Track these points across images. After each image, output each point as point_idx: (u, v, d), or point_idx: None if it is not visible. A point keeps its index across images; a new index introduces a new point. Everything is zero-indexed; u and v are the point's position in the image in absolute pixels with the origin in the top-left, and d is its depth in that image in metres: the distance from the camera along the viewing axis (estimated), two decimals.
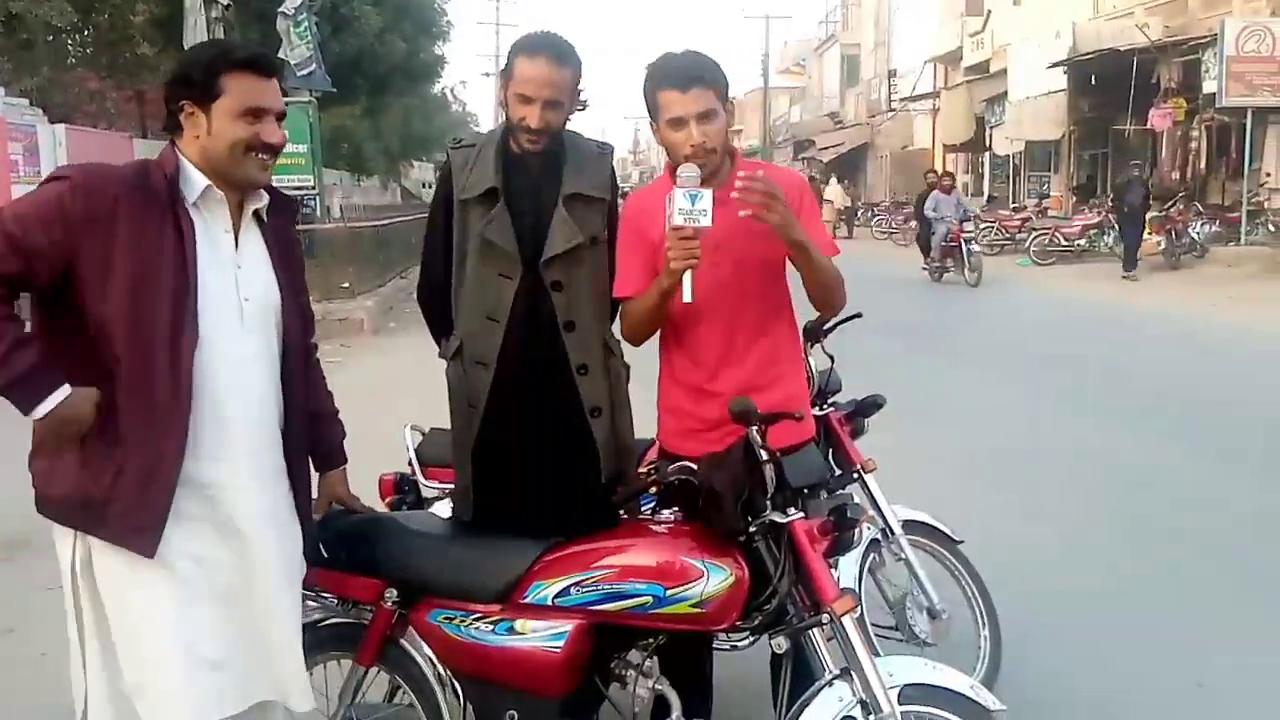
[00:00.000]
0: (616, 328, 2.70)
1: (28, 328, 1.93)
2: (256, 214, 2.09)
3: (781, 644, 2.07)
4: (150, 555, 1.89)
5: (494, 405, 2.55)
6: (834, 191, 28.93)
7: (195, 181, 1.97)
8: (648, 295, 2.35)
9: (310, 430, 2.24)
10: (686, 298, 2.19)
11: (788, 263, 2.44)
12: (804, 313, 2.92)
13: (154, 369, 1.90)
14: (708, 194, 2.17)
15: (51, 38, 17.74)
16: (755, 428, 2.06)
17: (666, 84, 2.32)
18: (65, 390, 1.87)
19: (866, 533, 2.95)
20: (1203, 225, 16.57)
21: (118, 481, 1.89)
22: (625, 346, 2.63)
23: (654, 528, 2.32)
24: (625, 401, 2.64)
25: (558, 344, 2.52)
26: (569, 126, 2.59)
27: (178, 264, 1.92)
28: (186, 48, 11.03)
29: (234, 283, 2.01)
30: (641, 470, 2.84)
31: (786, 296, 2.51)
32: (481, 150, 2.56)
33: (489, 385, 2.54)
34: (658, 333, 2.52)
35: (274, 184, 2.16)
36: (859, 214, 31.04)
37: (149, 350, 1.89)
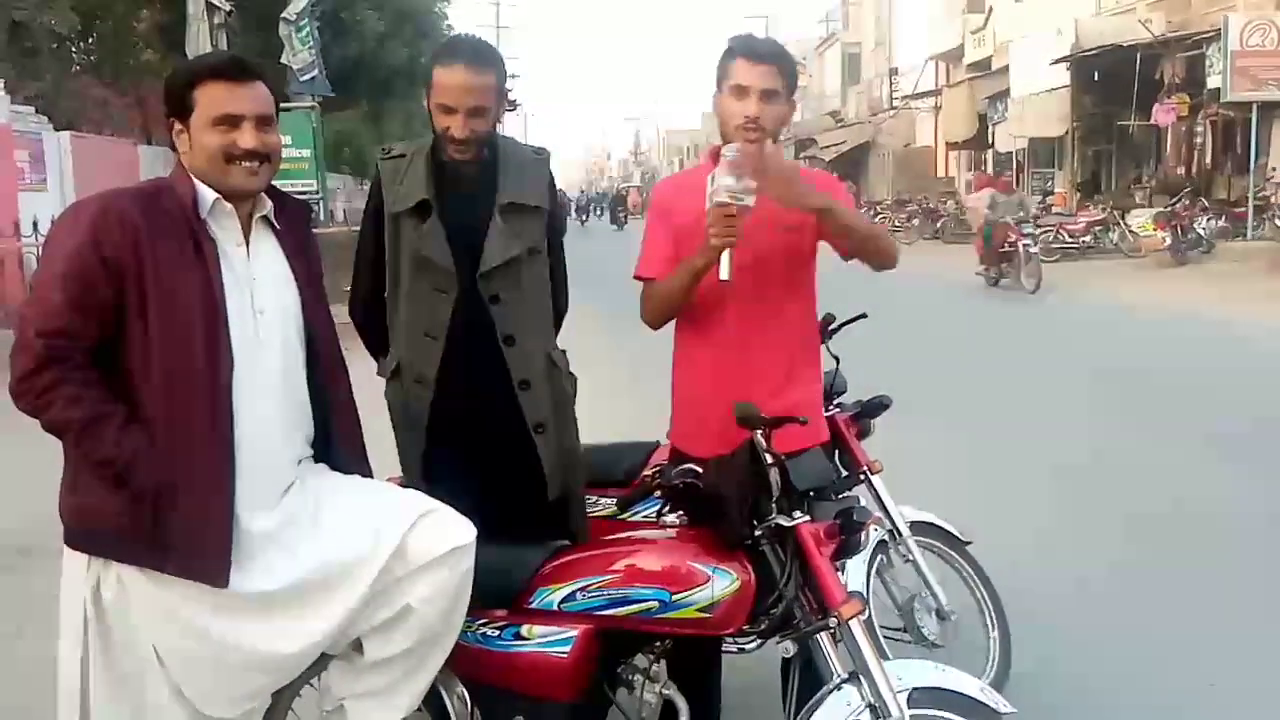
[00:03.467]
0: (561, 339, 2.65)
1: None
2: (265, 220, 2.07)
3: (789, 648, 2.05)
4: (224, 585, 1.89)
5: (436, 424, 2.48)
6: None
7: (205, 197, 1.96)
8: (676, 275, 2.32)
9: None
10: (724, 275, 2.17)
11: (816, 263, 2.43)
12: None
13: (195, 396, 1.88)
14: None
15: (55, 45, 17.79)
16: (760, 431, 2.05)
17: (742, 52, 2.32)
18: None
19: (874, 534, 2.94)
20: (1209, 221, 16.51)
21: (176, 517, 1.86)
22: (574, 355, 2.57)
23: (659, 532, 2.31)
24: (571, 416, 2.60)
25: (498, 359, 2.45)
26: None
27: (205, 289, 1.91)
28: (189, 55, 11.05)
29: (249, 297, 1.99)
30: (646, 474, 2.83)
31: (811, 292, 2.48)
32: (412, 160, 2.47)
33: (429, 404, 2.47)
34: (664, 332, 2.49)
35: (280, 189, 2.15)
36: (862, 212, 30.93)
37: (189, 379, 1.88)
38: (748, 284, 2.31)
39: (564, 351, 2.64)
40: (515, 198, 2.45)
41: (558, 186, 2.77)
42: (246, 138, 1.95)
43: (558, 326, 2.70)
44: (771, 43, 2.37)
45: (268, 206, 2.07)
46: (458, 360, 2.46)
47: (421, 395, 2.48)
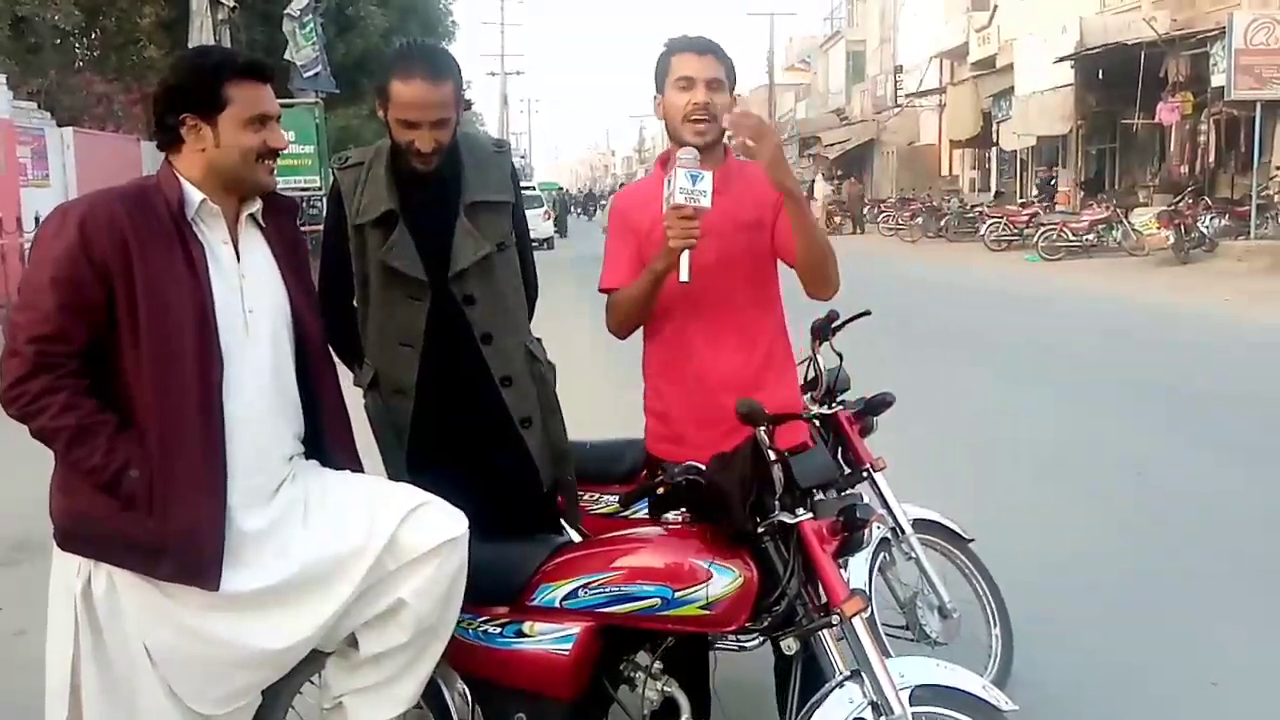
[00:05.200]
0: (537, 329, 2.64)
1: None
2: (252, 218, 2.06)
3: (791, 645, 2.05)
4: (216, 589, 1.88)
5: (420, 432, 2.46)
6: (820, 189, 28.96)
7: (191, 198, 1.95)
8: (639, 282, 2.33)
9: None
10: (684, 277, 2.18)
11: (778, 264, 2.43)
12: (811, 311, 2.90)
13: (185, 399, 1.88)
14: (708, 175, 2.16)
15: (58, 41, 17.81)
16: (763, 428, 2.04)
17: (682, 48, 2.35)
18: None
19: (876, 532, 2.94)
20: (1212, 219, 16.49)
21: (167, 522, 1.86)
22: (550, 348, 2.57)
23: (661, 529, 2.31)
24: (555, 406, 2.58)
25: (477, 359, 2.43)
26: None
27: (193, 290, 1.90)
28: (192, 51, 11.02)
29: (239, 295, 1.98)
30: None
31: (776, 297, 2.48)
32: (371, 169, 2.43)
33: (411, 413, 2.45)
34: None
35: (276, 186, 2.14)
36: (866, 210, 30.98)
37: (179, 382, 1.87)
38: (710, 286, 2.32)
39: (539, 340, 2.64)
40: (480, 196, 2.43)
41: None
42: (277, 137, 1.97)
43: (530, 313, 2.68)
44: (708, 37, 2.39)
45: (257, 205, 2.06)
46: (436, 365, 2.43)
47: (403, 406, 2.46)
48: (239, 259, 2.01)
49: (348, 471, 2.16)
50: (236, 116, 1.93)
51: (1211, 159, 18.62)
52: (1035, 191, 22.79)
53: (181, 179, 1.95)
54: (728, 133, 2.31)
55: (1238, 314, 10.98)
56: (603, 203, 44.87)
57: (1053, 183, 24.66)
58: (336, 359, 2.62)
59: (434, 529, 2.05)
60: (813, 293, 2.39)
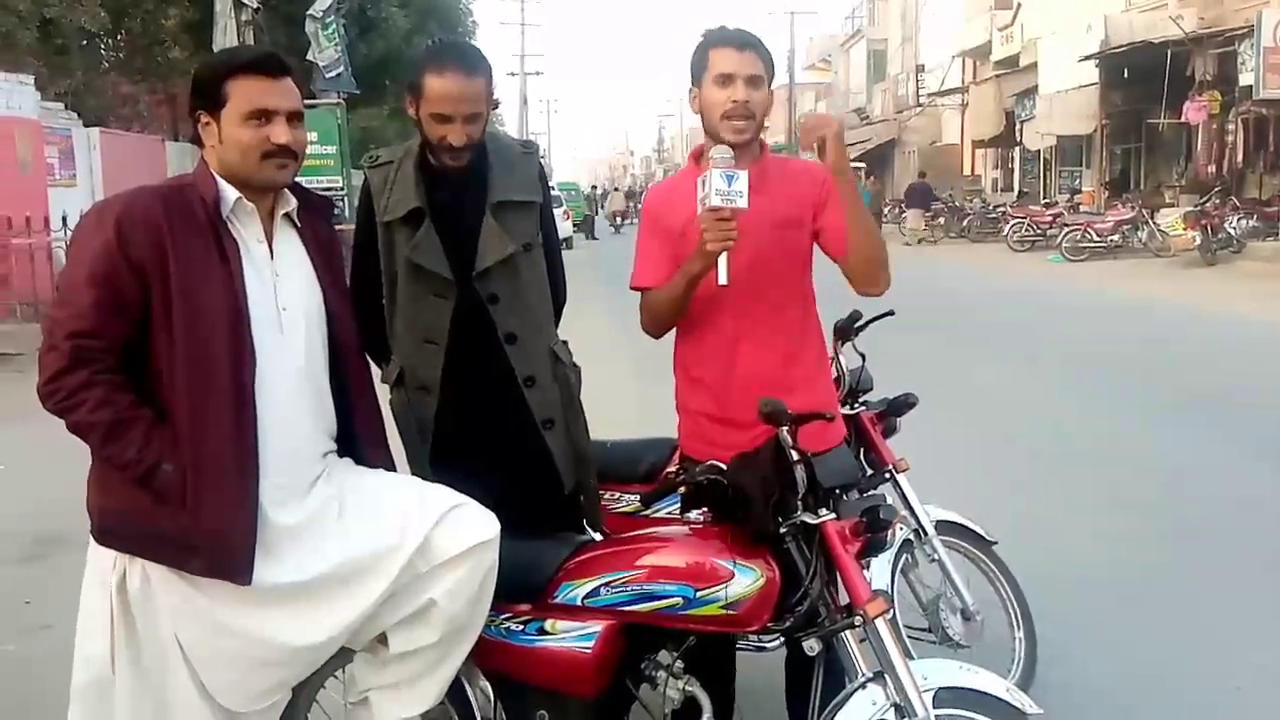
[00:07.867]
0: (563, 331, 2.64)
1: None
2: (288, 217, 2.09)
3: (814, 646, 2.04)
4: (248, 583, 1.90)
5: (443, 430, 2.47)
6: None
7: (227, 196, 1.97)
8: (674, 283, 2.31)
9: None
10: (722, 280, 2.17)
11: (813, 261, 2.41)
12: (835, 311, 2.89)
13: (219, 395, 1.89)
14: (744, 175, 2.14)
15: (85, 42, 18.02)
16: (785, 428, 2.04)
17: (722, 42, 2.31)
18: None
19: (899, 533, 2.92)
20: (1240, 220, 16.30)
21: (200, 517, 1.87)
22: (578, 348, 2.56)
23: (683, 529, 2.31)
24: (578, 408, 2.58)
25: (501, 358, 2.44)
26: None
27: (227, 287, 1.92)
28: (216, 51, 11.13)
29: (273, 292, 2.00)
30: (670, 470, 2.83)
31: (811, 295, 2.47)
32: (400, 167, 2.45)
33: (435, 410, 2.46)
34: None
35: (303, 185, 2.16)
36: (886, 211, 30.85)
37: (213, 378, 1.89)
38: (744, 285, 2.29)
39: (565, 343, 2.64)
40: (507, 195, 2.44)
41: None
42: (279, 133, 1.96)
43: (557, 318, 2.69)
44: (748, 31, 2.36)
45: (291, 204, 2.08)
46: (460, 363, 2.44)
47: (426, 402, 2.48)
48: (273, 256, 2.03)
49: (383, 470, 2.18)
50: (235, 112, 1.94)
51: (1239, 159, 18.43)
52: (1067, 197, 22.40)
53: (217, 177, 1.98)
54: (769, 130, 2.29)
55: (1267, 316, 10.85)
56: (603, 201, 45.02)
57: (1077, 183, 24.46)
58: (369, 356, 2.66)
59: (468, 532, 2.05)
60: (863, 288, 2.37)
